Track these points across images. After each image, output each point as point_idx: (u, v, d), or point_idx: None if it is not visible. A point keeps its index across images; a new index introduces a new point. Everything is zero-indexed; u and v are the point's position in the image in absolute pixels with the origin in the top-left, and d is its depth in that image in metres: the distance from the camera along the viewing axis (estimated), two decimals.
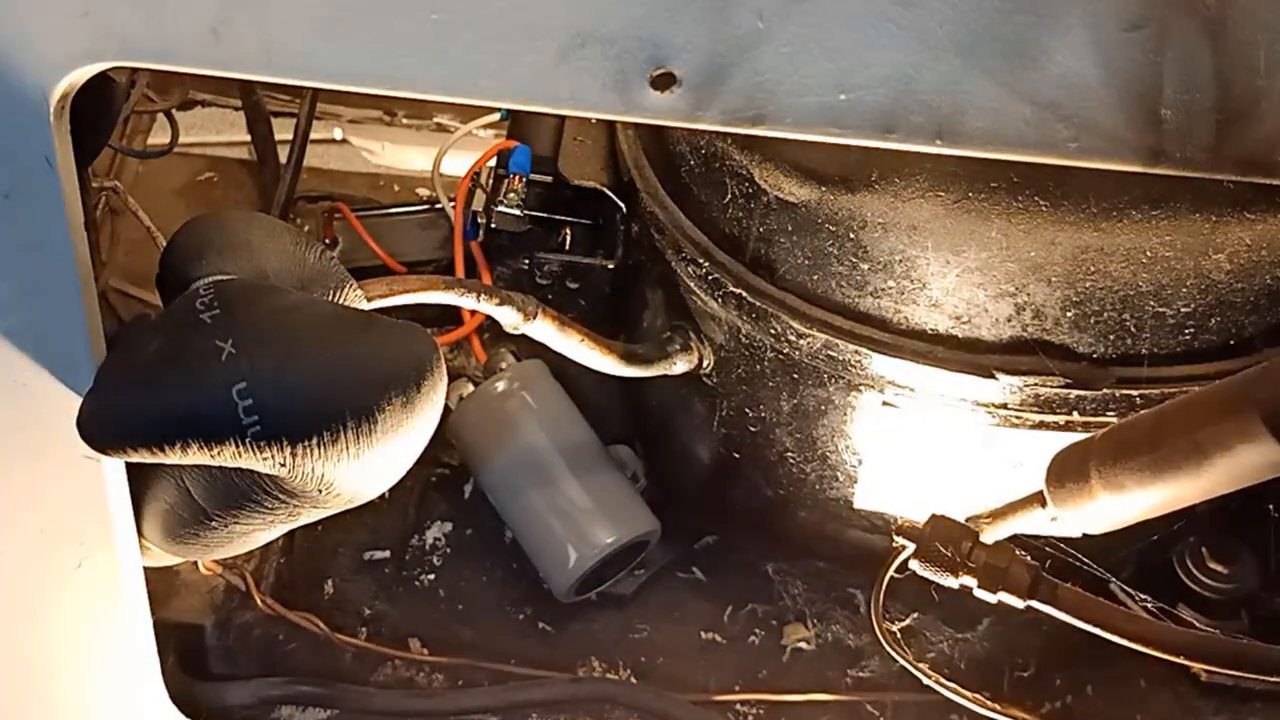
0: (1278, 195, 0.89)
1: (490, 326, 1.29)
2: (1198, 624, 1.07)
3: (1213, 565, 1.11)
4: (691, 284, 1.06)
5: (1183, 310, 0.92)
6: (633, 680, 1.15)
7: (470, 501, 1.27)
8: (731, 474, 1.19)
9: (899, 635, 0.94)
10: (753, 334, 1.03)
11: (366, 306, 0.74)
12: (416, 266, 1.39)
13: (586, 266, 1.24)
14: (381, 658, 1.15)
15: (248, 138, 1.54)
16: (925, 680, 0.90)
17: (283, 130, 1.48)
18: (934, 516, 0.86)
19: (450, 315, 1.32)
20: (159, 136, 1.50)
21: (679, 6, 0.61)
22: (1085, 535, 0.79)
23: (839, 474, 1.10)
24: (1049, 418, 0.95)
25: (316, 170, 1.64)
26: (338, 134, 1.75)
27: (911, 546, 0.85)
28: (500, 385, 1.20)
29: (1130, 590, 1.02)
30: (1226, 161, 0.64)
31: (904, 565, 0.87)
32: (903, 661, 0.90)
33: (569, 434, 1.19)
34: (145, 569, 0.82)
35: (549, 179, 1.23)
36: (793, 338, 0.99)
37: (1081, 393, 0.93)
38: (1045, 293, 0.91)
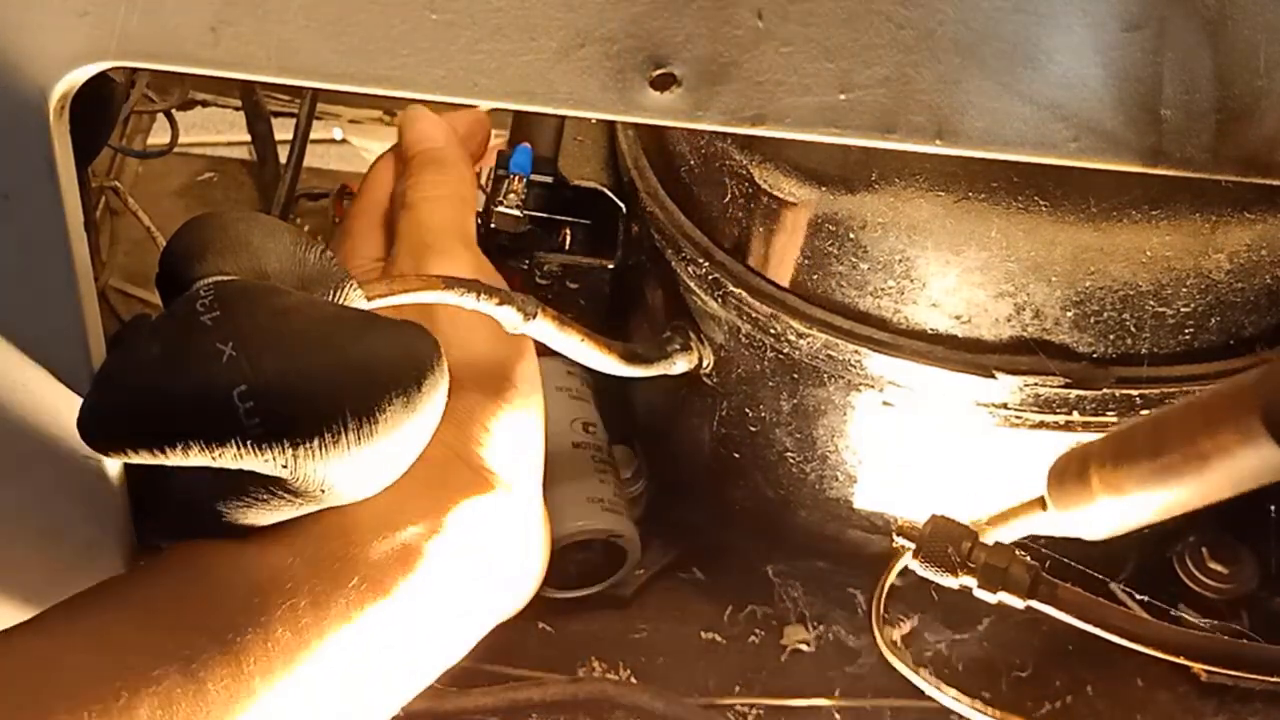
0: (1278, 195, 0.89)
1: None
2: (1198, 624, 1.07)
3: (1213, 565, 1.11)
4: (691, 284, 1.06)
5: (1183, 310, 0.92)
6: (633, 680, 1.15)
7: None
8: (731, 474, 1.19)
9: (899, 642, 0.94)
10: (753, 334, 1.03)
11: (366, 306, 0.74)
12: None
13: (586, 266, 1.24)
14: None
15: (248, 138, 1.54)
16: (925, 688, 0.90)
17: (283, 130, 1.48)
18: (934, 517, 0.86)
19: None
20: (159, 136, 1.50)
21: (679, 6, 0.61)
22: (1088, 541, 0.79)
23: (839, 474, 1.10)
24: (1049, 418, 0.95)
25: (316, 170, 1.64)
26: (338, 134, 1.75)
27: (912, 547, 0.85)
28: None
29: (1130, 590, 1.02)
30: (1226, 161, 0.64)
31: (904, 571, 0.87)
32: (904, 671, 0.90)
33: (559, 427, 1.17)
34: None
35: (549, 179, 1.23)
36: (793, 338, 0.99)
37: (1081, 393, 0.93)
38: (1045, 293, 0.91)
